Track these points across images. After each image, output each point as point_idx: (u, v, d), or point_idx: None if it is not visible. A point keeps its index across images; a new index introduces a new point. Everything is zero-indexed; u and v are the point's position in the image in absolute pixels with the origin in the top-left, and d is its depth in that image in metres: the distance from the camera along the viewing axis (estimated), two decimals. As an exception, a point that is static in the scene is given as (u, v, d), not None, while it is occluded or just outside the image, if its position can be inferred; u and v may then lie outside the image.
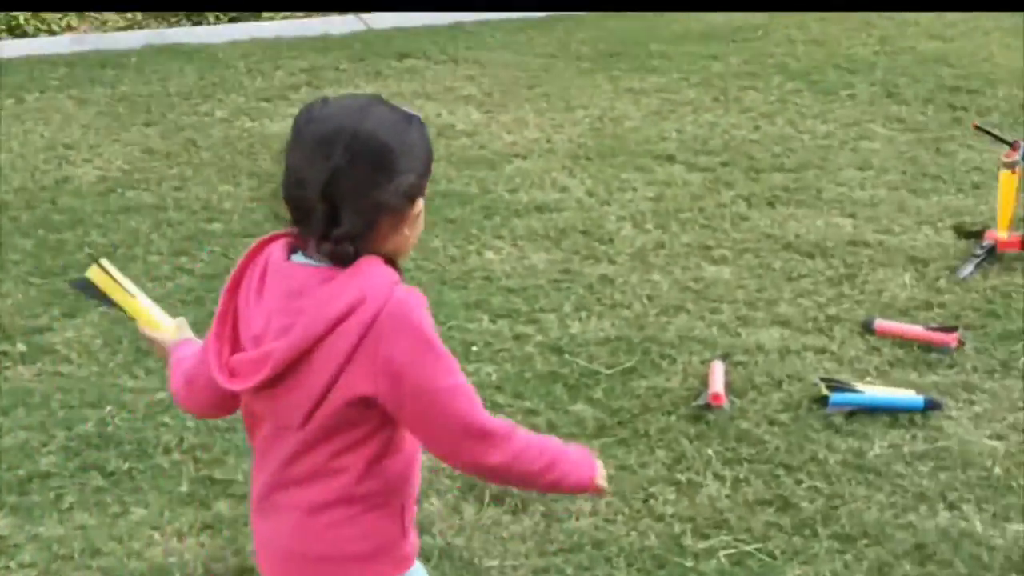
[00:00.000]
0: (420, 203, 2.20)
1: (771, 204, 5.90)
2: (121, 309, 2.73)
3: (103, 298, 2.73)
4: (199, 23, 9.21)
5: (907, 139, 6.70)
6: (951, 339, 4.60)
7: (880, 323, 4.73)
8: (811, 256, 5.36)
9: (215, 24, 9.18)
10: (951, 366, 4.51)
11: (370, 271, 2.14)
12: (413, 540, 2.39)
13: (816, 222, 5.69)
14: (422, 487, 3.81)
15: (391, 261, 2.21)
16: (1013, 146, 5.29)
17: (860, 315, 4.85)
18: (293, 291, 2.17)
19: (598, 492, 2.44)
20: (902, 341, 4.66)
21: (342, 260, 2.14)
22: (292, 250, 2.22)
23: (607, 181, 6.18)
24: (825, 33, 8.63)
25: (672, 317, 4.88)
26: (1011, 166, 5.22)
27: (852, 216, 5.75)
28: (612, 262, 5.35)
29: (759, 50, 8.30)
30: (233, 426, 4.17)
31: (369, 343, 2.12)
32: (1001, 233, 5.28)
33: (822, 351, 4.63)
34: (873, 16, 8.99)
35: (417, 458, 2.36)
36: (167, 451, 4.05)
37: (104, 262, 2.73)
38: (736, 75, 7.78)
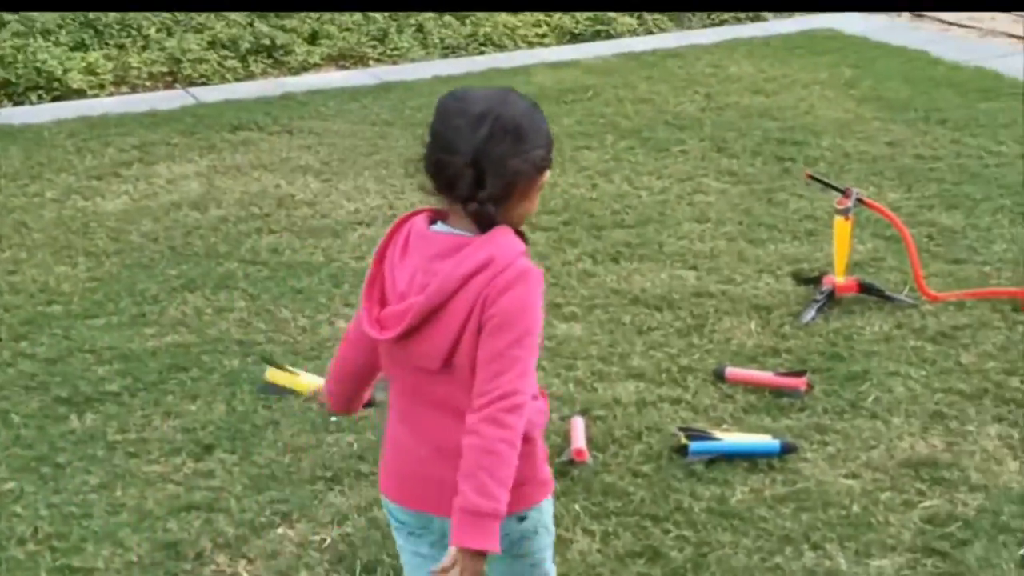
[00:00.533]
0: (547, 174, 2.64)
1: (615, 260, 5.98)
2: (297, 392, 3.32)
3: (282, 391, 3.30)
4: (20, 103, 8.99)
5: (740, 191, 6.88)
6: (800, 383, 4.72)
7: (731, 371, 4.83)
8: (659, 309, 5.45)
9: (38, 104, 8.97)
10: (802, 409, 4.62)
11: (501, 239, 2.56)
12: (548, 470, 2.80)
13: (660, 275, 5.79)
14: (290, 562, 3.77)
15: (518, 233, 2.60)
16: (845, 193, 5.48)
17: (711, 364, 4.95)
18: (434, 255, 2.57)
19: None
20: (754, 387, 4.76)
21: (485, 221, 2.55)
22: (432, 221, 2.63)
23: (452, 244, 6.19)
24: (652, 92, 8.83)
25: (528, 376, 4.89)
26: (844, 212, 5.39)
27: (695, 268, 5.87)
28: (464, 325, 5.35)
29: (590, 110, 8.45)
30: (89, 512, 4.05)
31: (493, 291, 2.51)
32: (838, 278, 5.45)
33: (677, 401, 4.70)
34: (698, 74, 9.24)
35: (545, 400, 2.81)
36: (21, 542, 3.90)
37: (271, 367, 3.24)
38: (570, 135, 7.89)
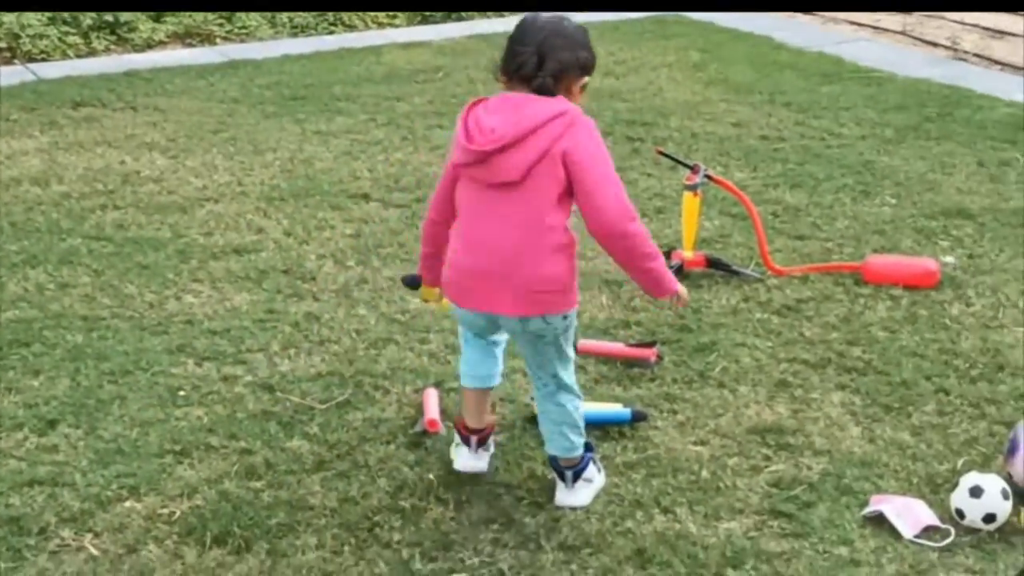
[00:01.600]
0: (587, 79, 3.64)
1: (468, 236, 5.98)
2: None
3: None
4: None
5: (591, 170, 6.92)
6: (650, 354, 4.78)
7: (582, 343, 4.86)
8: (511, 283, 5.46)
9: None
10: (652, 379, 4.68)
11: (568, 101, 3.58)
12: None
13: (512, 251, 5.80)
14: (138, 535, 3.70)
15: None
16: (694, 169, 5.56)
17: (563, 337, 4.98)
18: (519, 104, 3.53)
19: (681, 301, 3.82)
20: (605, 359, 4.81)
21: (546, 91, 3.53)
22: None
23: (304, 221, 6.14)
24: (504, 73, 8.84)
25: (382, 350, 4.87)
26: (693, 188, 5.48)
27: (546, 244, 5.89)
28: (316, 299, 5.31)
29: (442, 90, 8.44)
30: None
31: (570, 132, 3.51)
32: (687, 252, 5.53)
33: (530, 373, 4.72)
34: (547, 56, 9.28)
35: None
36: None
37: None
38: (422, 114, 7.88)
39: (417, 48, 9.56)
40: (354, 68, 9.01)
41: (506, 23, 10.35)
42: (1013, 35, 10.16)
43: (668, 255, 5.59)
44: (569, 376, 3.86)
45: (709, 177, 5.59)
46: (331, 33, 10.23)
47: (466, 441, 4.05)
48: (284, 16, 10.35)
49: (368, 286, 5.44)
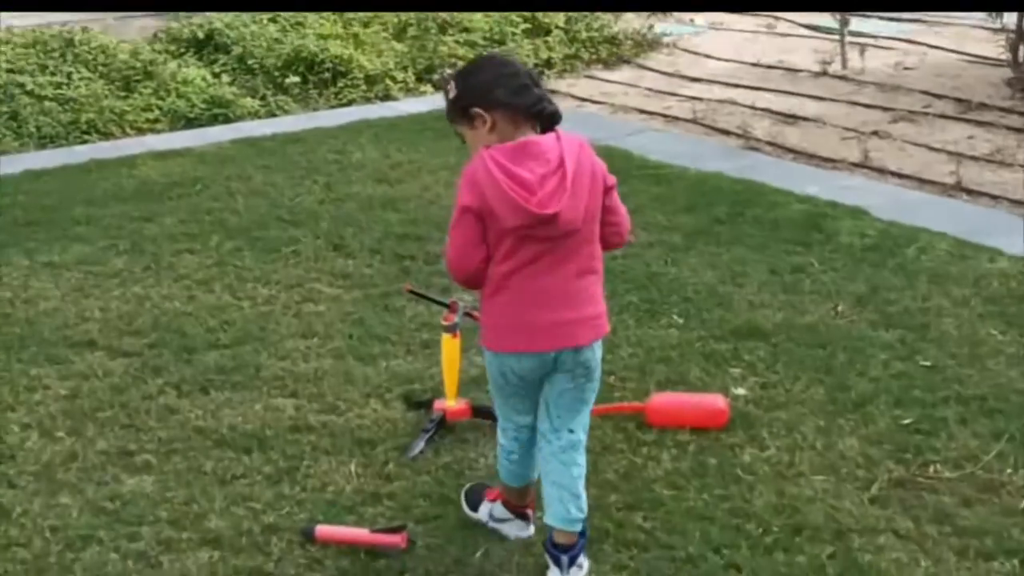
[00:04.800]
0: None
1: (204, 390, 5.24)
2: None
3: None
4: None
5: (354, 297, 6.24)
6: (399, 539, 4.08)
7: (321, 529, 4.16)
8: (248, 451, 4.74)
9: None
10: (402, 573, 3.98)
11: (569, 134, 3.66)
12: None
13: (255, 407, 5.08)
14: None
15: None
16: (451, 307, 4.92)
17: (302, 519, 4.27)
18: (543, 150, 3.57)
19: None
20: (349, 546, 4.10)
21: (557, 119, 3.65)
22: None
23: (13, 380, 5.31)
24: (268, 183, 8.14)
25: (80, 552, 4.10)
26: (451, 330, 4.83)
27: (294, 395, 5.18)
28: (12, 485, 4.51)
29: (197, 206, 7.67)
30: None
31: (597, 163, 3.67)
32: (449, 402, 4.88)
33: (257, 572, 3.99)
34: (319, 161, 8.61)
35: None
36: None
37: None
38: (171, 237, 7.11)
39: (175, 157, 8.77)
40: (102, 184, 8.17)
41: (279, 124, 9.71)
42: (804, 119, 9.86)
43: (430, 404, 4.95)
44: (584, 434, 3.87)
45: (469, 315, 4.95)
46: (83, 142, 9.37)
47: (522, 516, 4.12)
48: (32, 126, 9.46)
49: (76, 463, 4.65)
